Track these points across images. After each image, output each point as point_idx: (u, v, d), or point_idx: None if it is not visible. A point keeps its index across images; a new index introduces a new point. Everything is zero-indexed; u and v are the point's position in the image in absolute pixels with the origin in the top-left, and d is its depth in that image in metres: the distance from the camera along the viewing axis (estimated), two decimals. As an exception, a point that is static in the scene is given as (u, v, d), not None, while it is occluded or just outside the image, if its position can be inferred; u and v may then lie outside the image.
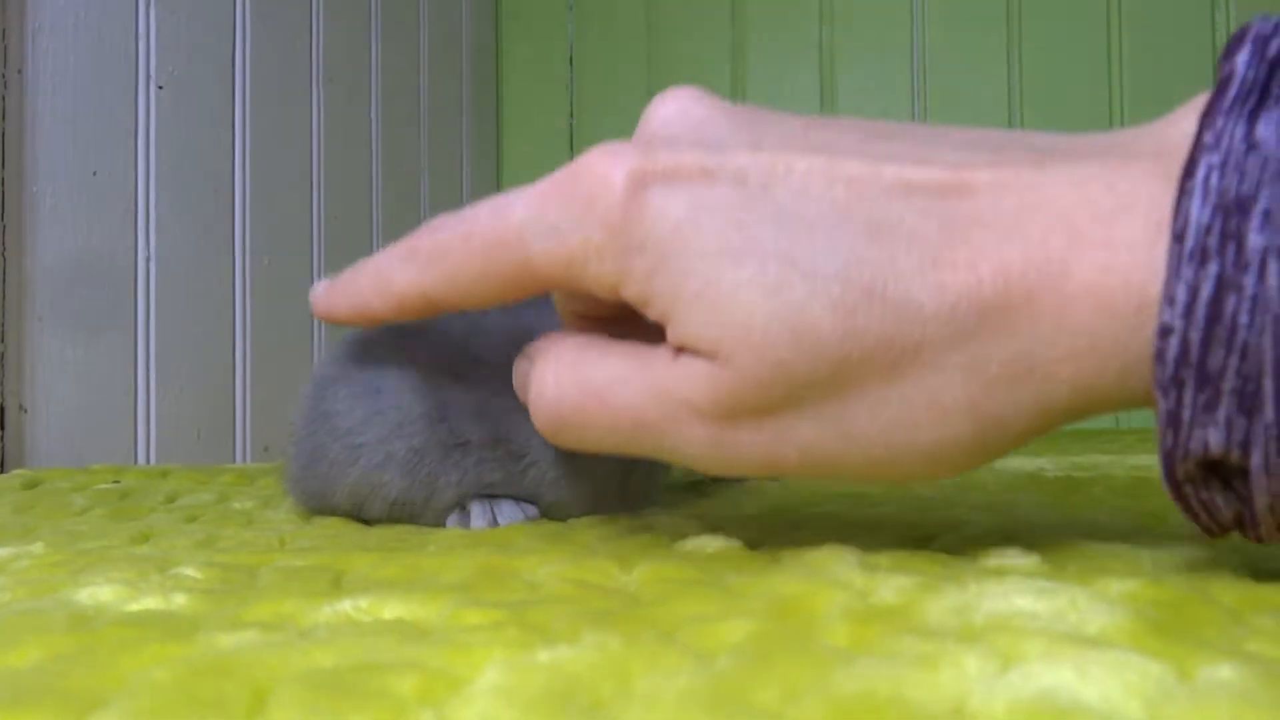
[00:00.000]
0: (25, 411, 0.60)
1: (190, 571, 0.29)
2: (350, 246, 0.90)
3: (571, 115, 1.24)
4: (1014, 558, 0.27)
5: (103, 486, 0.55)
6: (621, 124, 1.24)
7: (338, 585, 0.28)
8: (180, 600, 0.26)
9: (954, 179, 0.22)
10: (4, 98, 0.58)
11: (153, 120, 0.69)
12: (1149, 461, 0.62)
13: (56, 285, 0.62)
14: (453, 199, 1.12)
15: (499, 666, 0.17)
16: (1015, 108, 1.12)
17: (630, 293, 0.25)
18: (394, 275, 0.29)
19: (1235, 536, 0.23)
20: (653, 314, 0.25)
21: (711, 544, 0.31)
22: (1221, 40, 1.06)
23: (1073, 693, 0.15)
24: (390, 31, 1.00)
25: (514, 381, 0.30)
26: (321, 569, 0.30)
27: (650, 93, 1.21)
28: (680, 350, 0.25)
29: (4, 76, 0.59)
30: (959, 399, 0.22)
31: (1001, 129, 0.24)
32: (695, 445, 0.25)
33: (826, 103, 1.15)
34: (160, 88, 0.70)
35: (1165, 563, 0.26)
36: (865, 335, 0.22)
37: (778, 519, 0.39)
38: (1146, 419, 1.14)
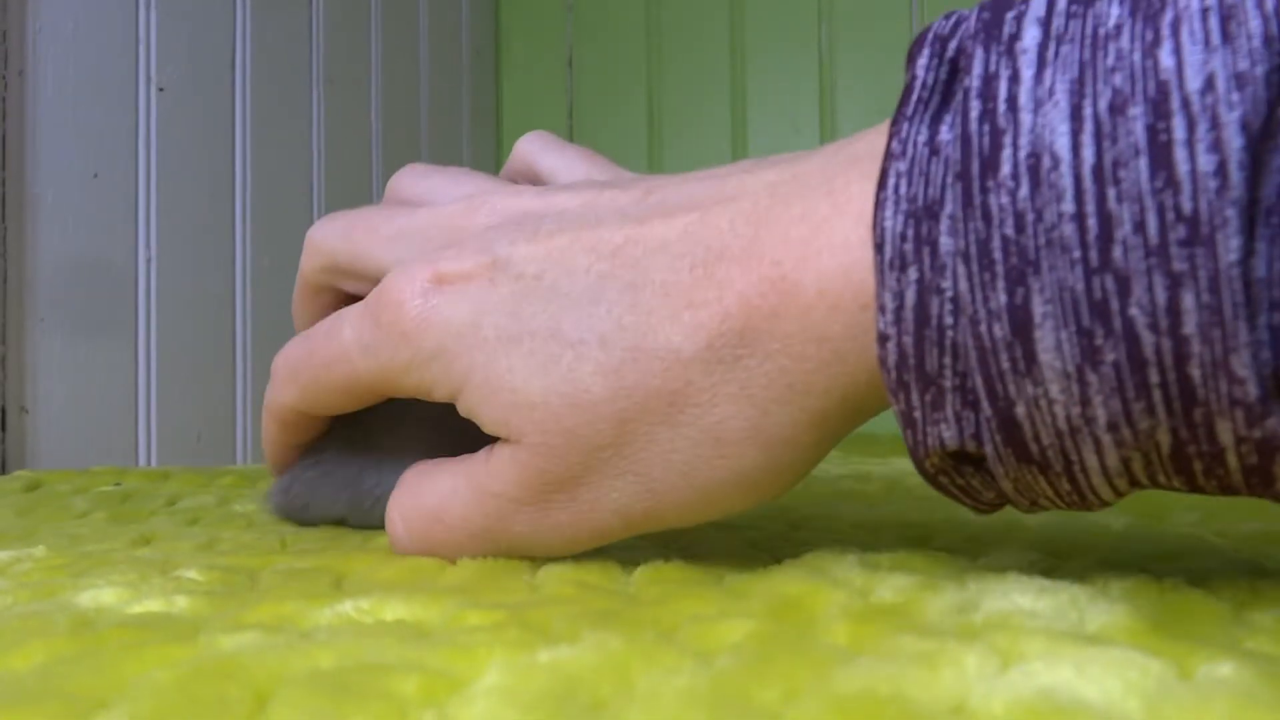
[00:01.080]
0: (26, 412, 0.60)
1: (192, 574, 0.30)
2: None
3: (570, 117, 1.25)
4: (1013, 556, 0.27)
5: (104, 489, 0.55)
6: (620, 125, 1.24)
7: (339, 587, 0.28)
8: (182, 603, 0.26)
9: (700, 223, 0.23)
10: (4, 100, 0.59)
11: (153, 122, 0.69)
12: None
13: (57, 286, 0.62)
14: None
15: (500, 667, 0.17)
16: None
17: (439, 395, 0.27)
18: (274, 398, 0.33)
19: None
20: (461, 410, 0.27)
21: (711, 544, 0.31)
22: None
23: (1072, 691, 0.15)
24: (390, 33, 1.00)
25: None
26: (322, 571, 0.30)
27: (649, 95, 1.22)
28: (491, 447, 0.27)
29: (5, 79, 0.59)
30: (740, 428, 0.23)
31: (745, 161, 0.26)
32: (527, 535, 0.26)
33: (825, 105, 1.15)
34: (161, 90, 0.70)
35: (1165, 561, 0.26)
36: (635, 390, 0.23)
37: (778, 519, 0.39)
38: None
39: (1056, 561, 0.26)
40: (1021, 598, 0.21)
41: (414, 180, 0.33)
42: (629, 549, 0.32)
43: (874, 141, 0.22)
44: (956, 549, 0.29)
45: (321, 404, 0.31)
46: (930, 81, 0.20)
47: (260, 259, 0.80)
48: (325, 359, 0.30)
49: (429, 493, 0.28)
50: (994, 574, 0.24)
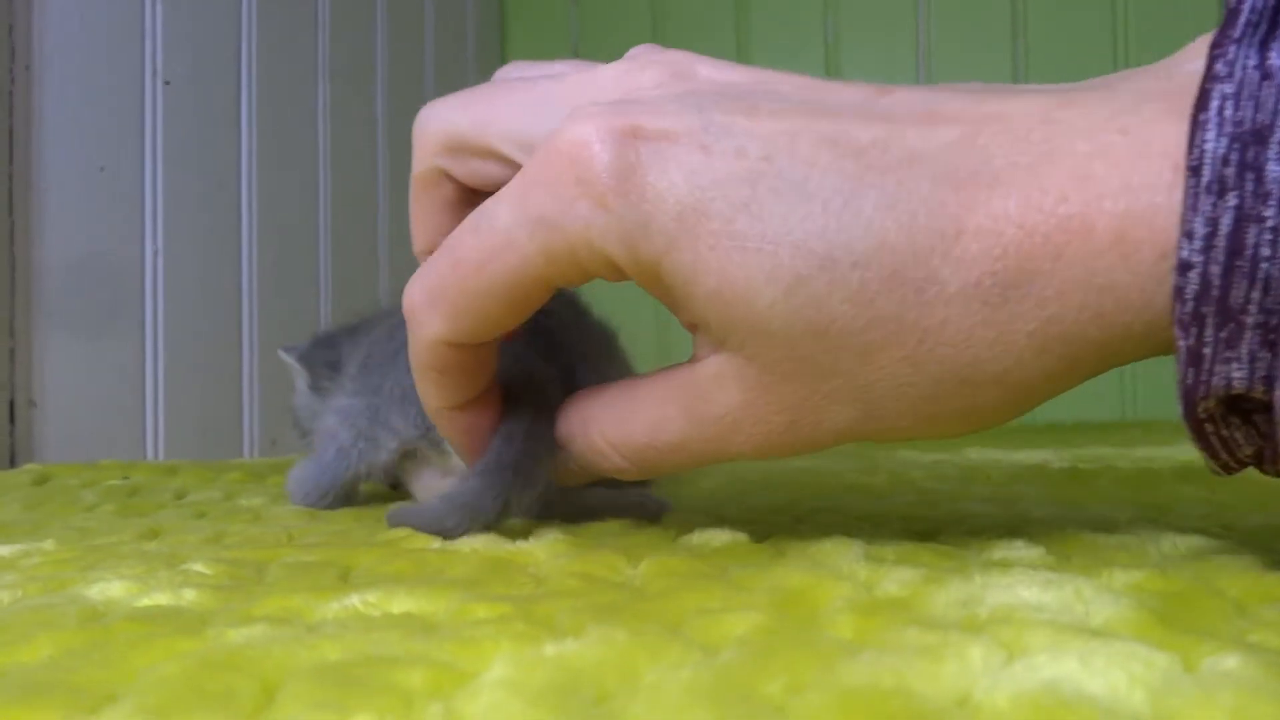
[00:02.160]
0: (34, 406, 0.60)
1: (199, 567, 0.30)
2: (356, 240, 0.90)
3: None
4: (1019, 550, 0.27)
5: (112, 483, 0.55)
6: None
7: (345, 580, 0.28)
8: (190, 596, 0.26)
9: (965, 141, 0.21)
10: (11, 94, 0.59)
11: (159, 116, 0.69)
12: (1154, 454, 0.62)
13: (64, 280, 0.62)
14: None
15: (506, 660, 0.17)
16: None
17: (641, 278, 0.24)
18: (419, 339, 0.28)
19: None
20: (665, 300, 0.24)
21: (716, 538, 0.31)
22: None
23: (1077, 684, 0.15)
24: (395, 24, 1.00)
25: (568, 466, 0.30)
26: (329, 564, 0.30)
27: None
28: (699, 364, 0.24)
29: (11, 73, 0.59)
30: (991, 373, 0.22)
31: (972, 83, 0.23)
32: (746, 452, 0.25)
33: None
34: (167, 83, 0.70)
35: (1170, 554, 0.26)
36: (887, 322, 0.21)
37: (782, 513, 0.39)
38: (1151, 411, 1.14)
39: (1061, 556, 0.26)
40: (1026, 591, 0.21)
41: (527, 66, 0.28)
42: (634, 543, 0.32)
43: (1160, 79, 0.21)
44: (961, 543, 0.29)
45: (479, 320, 0.26)
46: (1260, 6, 0.19)
47: (266, 252, 0.80)
48: (478, 257, 0.25)
49: (636, 421, 0.26)
50: (998, 568, 0.24)
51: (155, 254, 0.70)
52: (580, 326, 0.43)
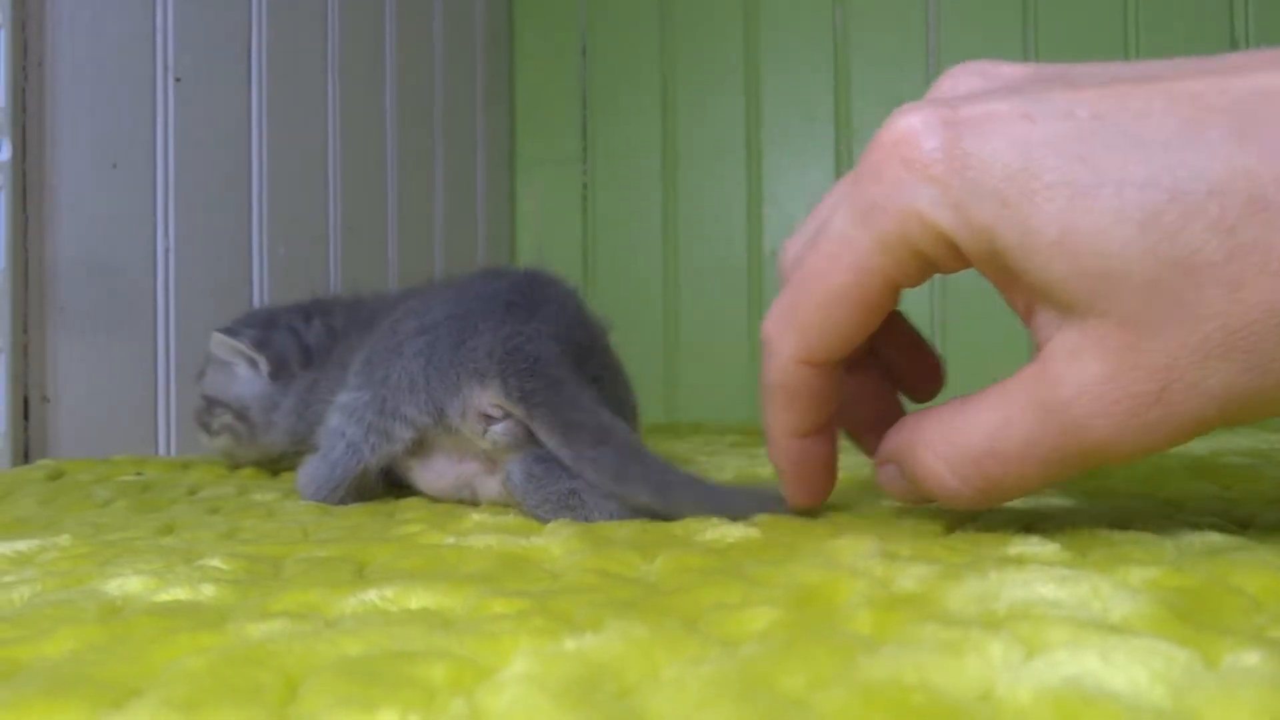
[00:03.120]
0: (48, 401, 0.61)
1: (216, 562, 0.30)
2: (366, 235, 0.90)
3: (584, 105, 1.25)
4: (1035, 546, 0.27)
5: (125, 478, 0.55)
6: (634, 113, 1.24)
7: (361, 575, 0.28)
8: (208, 591, 0.26)
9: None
10: (24, 90, 0.59)
11: (171, 112, 0.69)
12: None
13: (77, 276, 0.62)
14: (467, 192, 1.12)
15: (527, 654, 0.17)
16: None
17: (975, 249, 0.23)
18: (771, 365, 0.28)
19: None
20: (1004, 264, 0.23)
21: (729, 534, 0.32)
22: (1241, 31, 1.05)
23: (1098, 679, 0.15)
24: (404, 21, 1.00)
25: (886, 487, 0.29)
26: (344, 559, 0.30)
27: (664, 84, 1.21)
28: (1044, 354, 0.23)
29: (24, 69, 0.59)
30: None
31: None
32: (1107, 443, 0.22)
33: (840, 89, 1.15)
34: (178, 80, 0.70)
35: (1187, 551, 0.26)
36: (1252, 252, 0.20)
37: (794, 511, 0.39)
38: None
39: (1077, 552, 0.26)
40: (1044, 588, 0.21)
41: None
42: (648, 539, 0.32)
43: None
44: (976, 539, 0.29)
45: (829, 332, 0.25)
46: None
47: (276, 248, 0.80)
48: (821, 266, 0.25)
49: (970, 431, 0.24)
50: (1015, 564, 0.24)
51: (167, 251, 0.70)
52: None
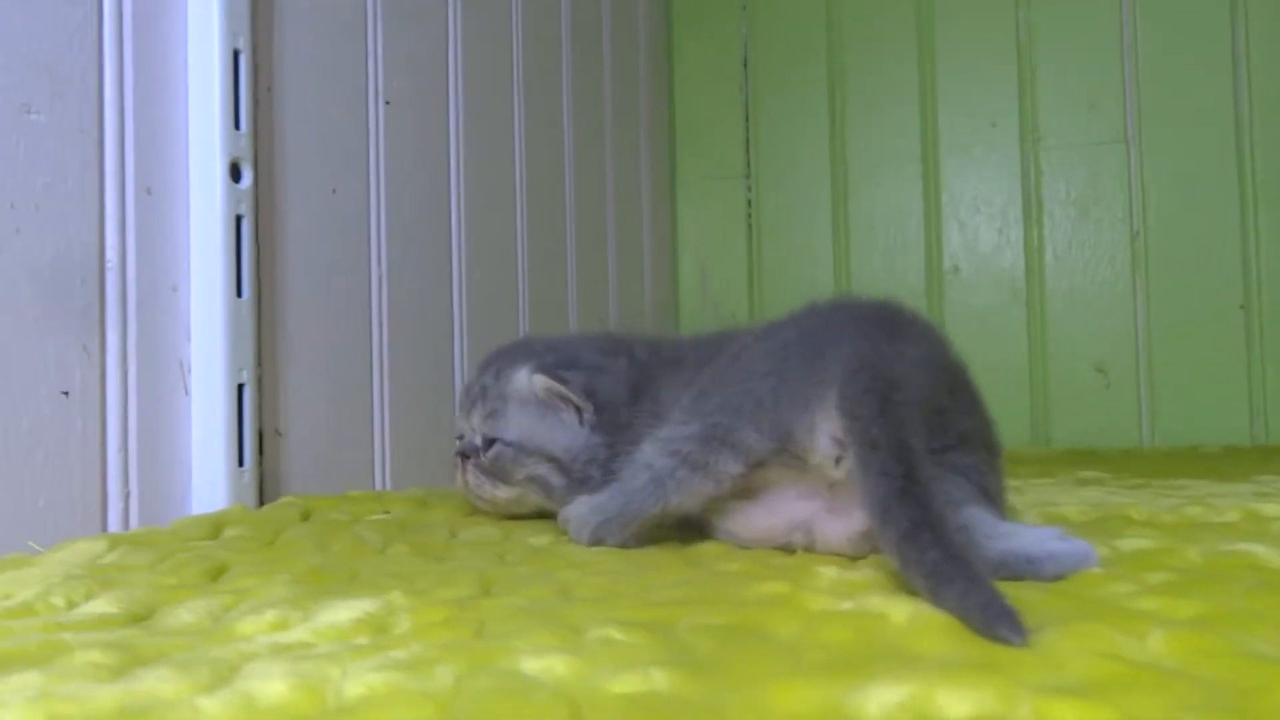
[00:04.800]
0: (280, 435, 0.59)
1: (616, 634, 0.26)
2: (548, 257, 0.88)
3: (746, 119, 1.21)
4: None
5: (375, 518, 0.53)
6: (801, 127, 1.19)
7: (850, 665, 0.24)
8: (660, 679, 0.22)
9: None
10: (255, 116, 0.57)
11: (382, 136, 0.68)
12: None
13: (305, 306, 0.61)
14: (633, 211, 1.09)
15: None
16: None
17: None
18: None
19: None
20: None
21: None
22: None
23: None
24: (578, 39, 0.98)
25: None
26: (753, 631, 0.26)
27: (831, 93, 1.17)
28: None
29: (255, 94, 0.58)
30: None
31: None
32: None
33: (1026, 97, 1.09)
34: (388, 103, 0.69)
35: None
36: None
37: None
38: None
39: None
40: None
41: None
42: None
43: None
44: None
45: None
46: None
47: (473, 273, 0.78)
48: None
49: None
50: None
51: (380, 278, 0.68)
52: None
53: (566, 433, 0.50)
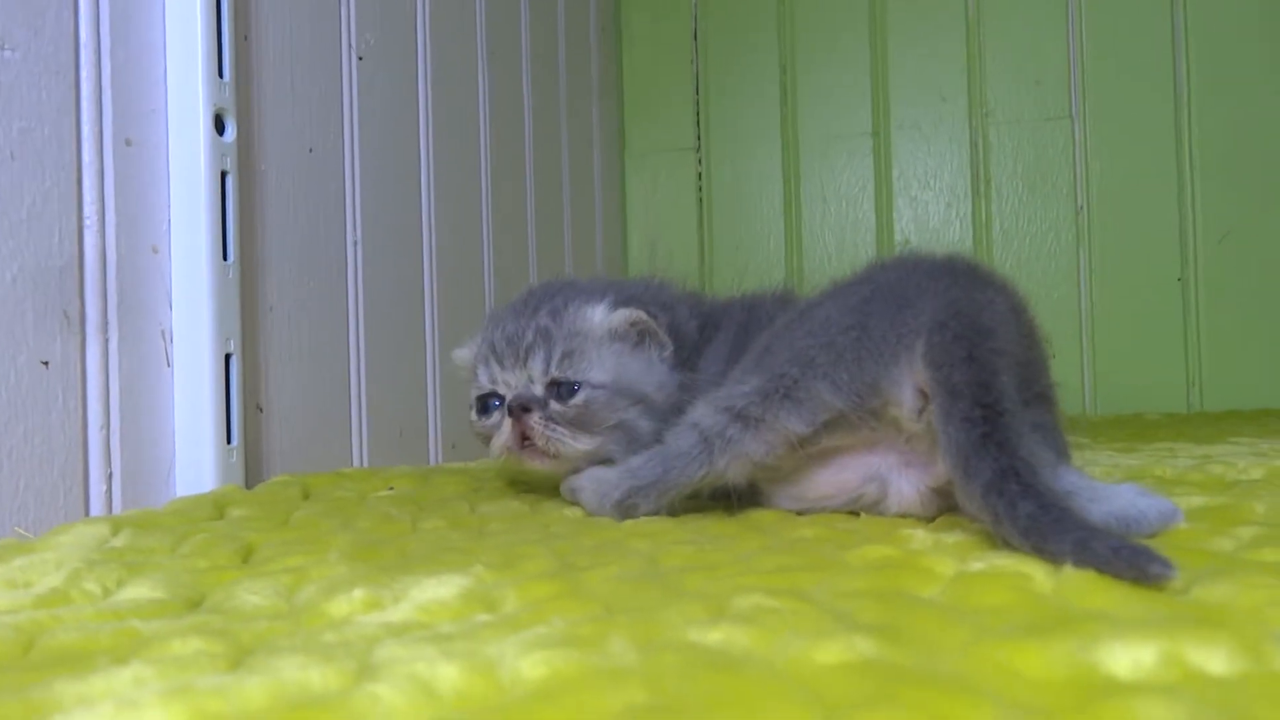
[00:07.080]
0: (260, 411, 0.55)
1: (770, 601, 0.25)
2: (510, 224, 0.85)
3: (697, 90, 1.19)
4: None
5: (381, 494, 0.50)
6: (749, 99, 1.18)
7: (1043, 624, 0.23)
8: (865, 647, 0.21)
9: None
10: (235, 65, 0.53)
11: (355, 93, 0.64)
12: None
13: (283, 273, 0.57)
14: (586, 183, 1.06)
15: None
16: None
17: None
18: None
19: None
20: None
21: None
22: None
23: None
24: (534, 11, 0.95)
25: None
26: (878, 593, 0.25)
27: (783, 67, 1.16)
28: None
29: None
30: None
31: None
32: None
33: (974, 70, 1.10)
34: (360, 59, 0.65)
35: None
36: None
37: None
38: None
39: None
40: None
41: None
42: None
43: None
44: None
45: None
46: None
47: (443, 236, 0.74)
48: None
49: None
50: None
51: (356, 244, 0.64)
52: None
53: (656, 371, 0.45)
